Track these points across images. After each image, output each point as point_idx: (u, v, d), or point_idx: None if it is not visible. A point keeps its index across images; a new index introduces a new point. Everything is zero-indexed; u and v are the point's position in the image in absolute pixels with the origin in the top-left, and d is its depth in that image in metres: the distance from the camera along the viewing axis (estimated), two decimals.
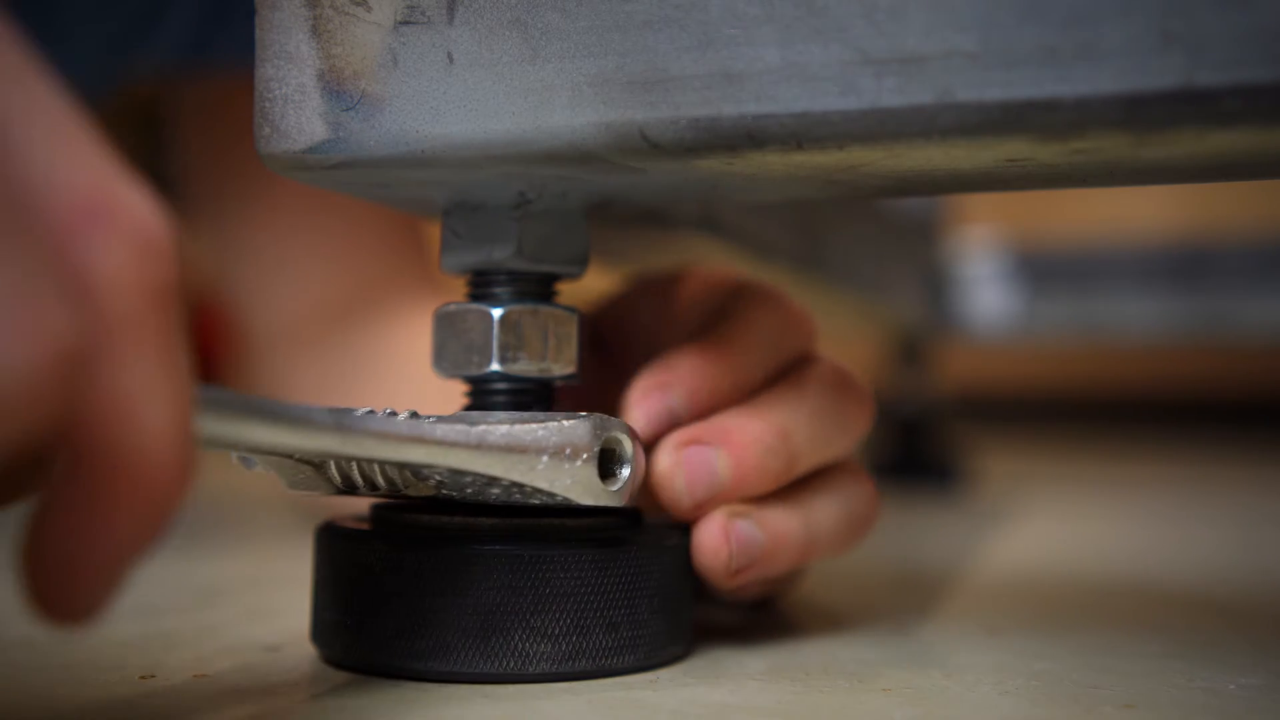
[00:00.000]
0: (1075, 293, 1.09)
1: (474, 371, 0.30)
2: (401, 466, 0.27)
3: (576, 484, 0.27)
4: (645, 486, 0.31)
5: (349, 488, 0.28)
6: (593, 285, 0.35)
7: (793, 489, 0.31)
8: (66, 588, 0.18)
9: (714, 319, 0.34)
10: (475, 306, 0.30)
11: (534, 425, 0.27)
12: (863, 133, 0.24)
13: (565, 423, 0.27)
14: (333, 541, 0.29)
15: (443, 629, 0.27)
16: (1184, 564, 0.54)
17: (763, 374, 0.33)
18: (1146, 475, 1.08)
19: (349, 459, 0.26)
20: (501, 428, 0.27)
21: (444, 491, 0.28)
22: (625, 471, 0.28)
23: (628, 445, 0.28)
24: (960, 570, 0.49)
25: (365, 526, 0.29)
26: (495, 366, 0.29)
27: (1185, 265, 1.08)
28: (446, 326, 0.30)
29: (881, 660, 0.31)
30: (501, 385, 0.30)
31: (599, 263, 0.39)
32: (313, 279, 0.59)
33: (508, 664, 0.27)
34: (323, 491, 0.28)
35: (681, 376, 0.31)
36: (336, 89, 0.27)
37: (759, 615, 0.36)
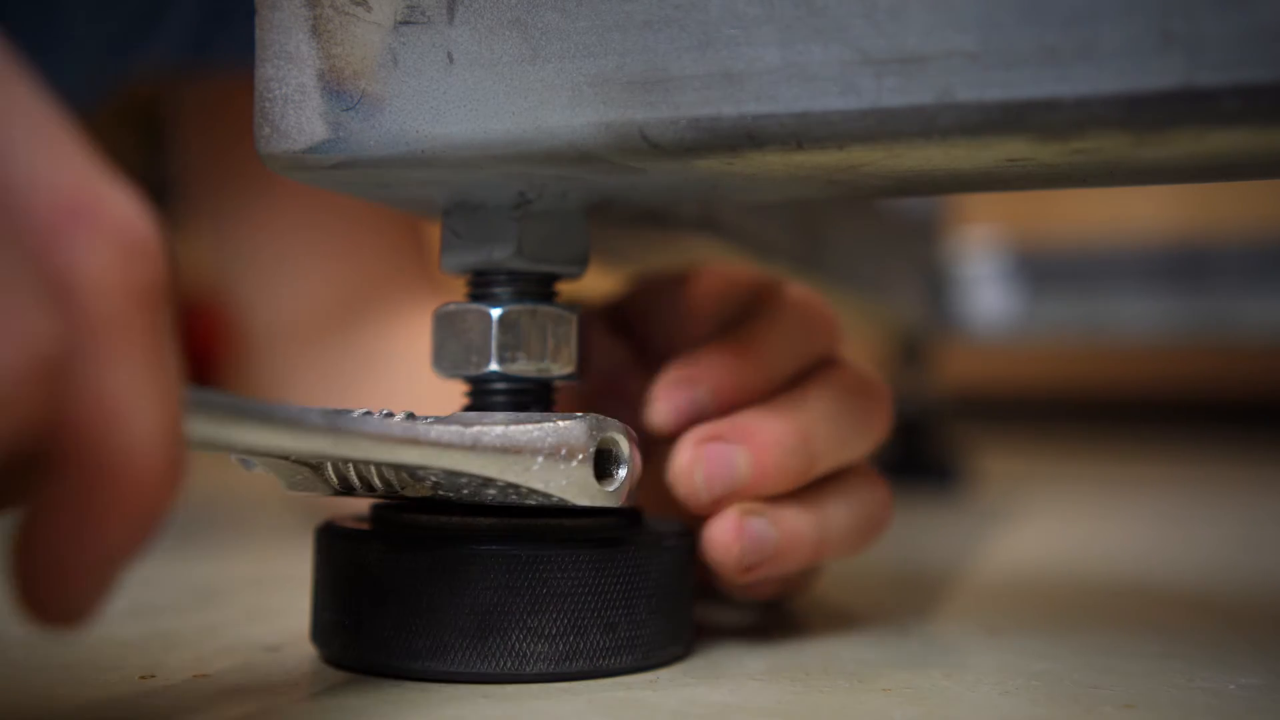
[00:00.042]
0: (1075, 293, 1.09)
1: (473, 371, 0.30)
2: (397, 468, 0.27)
3: (572, 485, 0.27)
4: (660, 480, 0.31)
5: (346, 489, 0.28)
6: (593, 285, 0.35)
7: (808, 490, 0.32)
8: (57, 590, 0.18)
9: (741, 316, 0.34)
10: (474, 306, 0.30)
11: (529, 426, 0.27)
12: (863, 133, 0.24)
13: (561, 423, 0.27)
14: (332, 541, 0.29)
15: (440, 629, 0.27)
16: (1184, 564, 0.54)
17: (787, 373, 0.33)
18: (1146, 475, 1.08)
19: (344, 460, 0.26)
20: (496, 429, 0.27)
21: (440, 492, 0.28)
22: (622, 472, 0.28)
23: (624, 446, 0.28)
24: (960, 570, 0.49)
25: (365, 526, 0.29)
26: (494, 366, 0.29)
27: (1185, 265, 1.08)
28: (446, 326, 0.30)
29: (881, 660, 0.31)
30: (500, 385, 0.30)
31: (599, 263, 0.39)
32: (313, 279, 0.59)
33: (505, 664, 0.27)
34: (321, 492, 0.28)
35: (708, 372, 0.31)
36: (336, 89, 0.27)
37: (759, 615, 0.36)
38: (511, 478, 0.27)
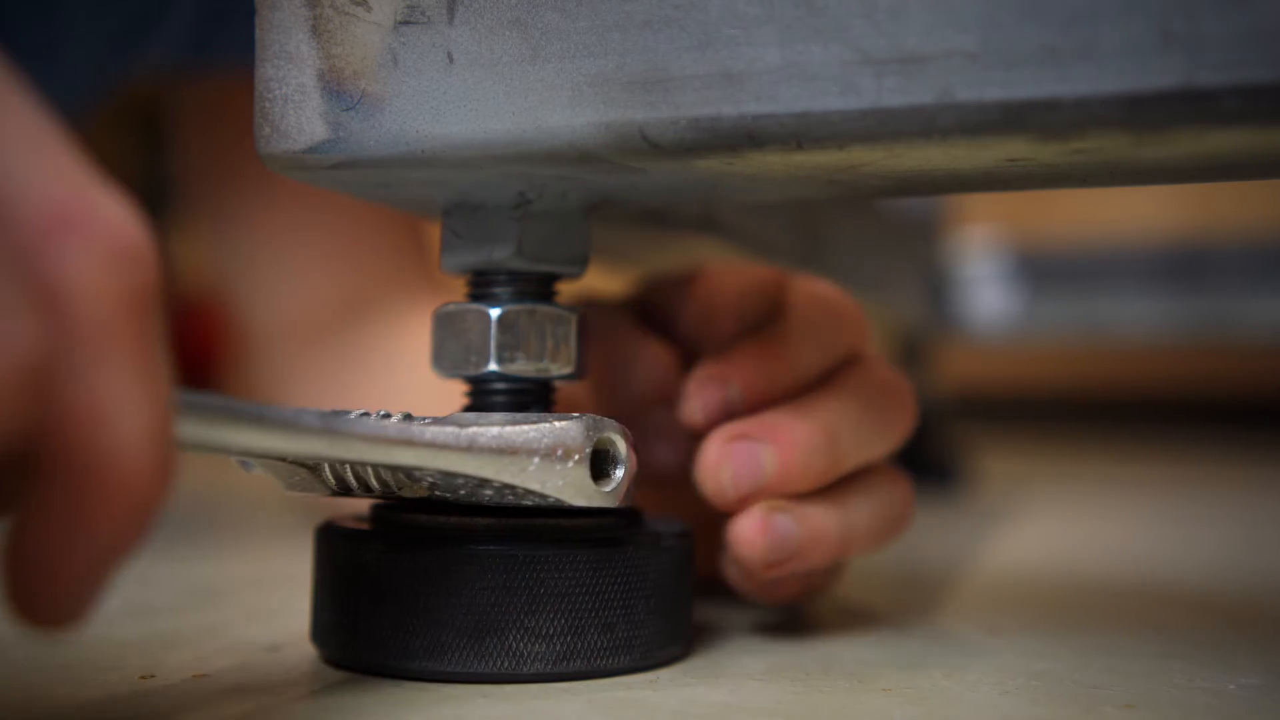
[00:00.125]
0: (1075, 293, 1.09)
1: (472, 371, 0.30)
2: (393, 469, 0.27)
3: (568, 485, 0.27)
4: (683, 476, 0.32)
5: (344, 490, 0.28)
6: (593, 285, 0.35)
7: (833, 487, 0.32)
8: (47, 592, 0.18)
9: (766, 314, 0.34)
10: (473, 306, 0.30)
11: (525, 427, 0.27)
12: (863, 133, 0.24)
13: (557, 424, 0.27)
14: (331, 541, 0.29)
15: (437, 629, 0.27)
16: (1184, 564, 0.54)
17: (815, 370, 0.33)
18: (1146, 475, 1.08)
19: (339, 462, 0.26)
20: (492, 429, 0.27)
21: (437, 493, 0.28)
22: (619, 472, 0.28)
23: (621, 446, 0.28)
24: (960, 570, 0.49)
25: (364, 526, 0.29)
26: (493, 366, 0.29)
27: (1185, 265, 1.08)
28: (445, 326, 0.30)
29: (881, 660, 0.31)
30: (500, 385, 0.30)
31: (599, 263, 0.39)
32: (313, 279, 0.59)
33: (502, 664, 0.27)
34: (319, 493, 0.28)
35: (739, 369, 0.32)
36: (336, 89, 0.27)
37: (760, 615, 0.36)
38: (507, 479, 0.27)
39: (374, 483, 0.27)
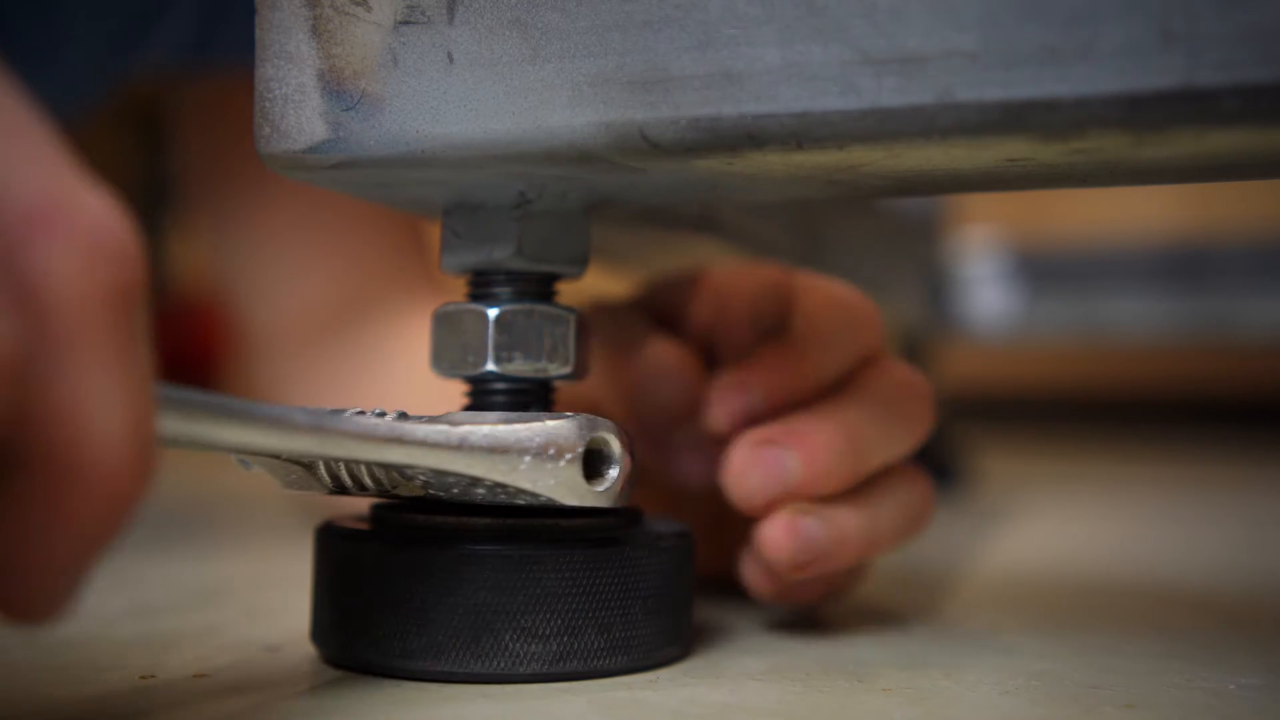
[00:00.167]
0: (1075, 293, 1.09)
1: (470, 371, 0.30)
2: (384, 467, 0.27)
3: (560, 484, 0.27)
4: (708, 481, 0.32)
5: (340, 488, 0.28)
6: (593, 285, 0.35)
7: (856, 488, 0.33)
8: (24, 587, 0.18)
9: (783, 315, 0.35)
10: (471, 306, 0.30)
11: (517, 425, 0.27)
12: (863, 133, 0.24)
13: (549, 423, 0.27)
14: (330, 541, 0.29)
15: (433, 629, 0.27)
16: (1184, 564, 0.54)
17: (835, 374, 0.34)
18: (1147, 475, 1.08)
19: (329, 459, 0.26)
20: (484, 428, 0.27)
21: (431, 492, 0.28)
22: (613, 472, 0.28)
23: (615, 445, 0.28)
24: (960, 570, 0.49)
25: (363, 526, 0.29)
26: (490, 366, 0.29)
27: (1186, 265, 1.08)
28: (444, 327, 0.30)
29: (881, 660, 0.31)
30: (500, 385, 0.30)
31: (599, 263, 0.39)
32: (313, 278, 0.59)
33: (498, 664, 0.27)
34: (317, 491, 0.28)
35: (761, 376, 0.33)
36: (336, 89, 0.27)
37: (760, 615, 0.36)
38: (498, 477, 0.27)
39: (368, 481, 0.27)
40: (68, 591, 0.19)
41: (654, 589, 0.29)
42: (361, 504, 0.32)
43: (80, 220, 0.18)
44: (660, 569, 0.29)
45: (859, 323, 0.35)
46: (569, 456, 0.27)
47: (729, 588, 0.36)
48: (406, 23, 0.26)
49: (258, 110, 0.27)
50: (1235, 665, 0.31)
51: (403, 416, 0.27)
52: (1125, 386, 1.60)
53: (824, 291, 0.36)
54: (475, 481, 0.27)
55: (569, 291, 0.32)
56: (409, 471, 0.27)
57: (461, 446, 0.26)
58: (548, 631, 0.27)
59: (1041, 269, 1.10)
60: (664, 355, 0.35)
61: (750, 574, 0.33)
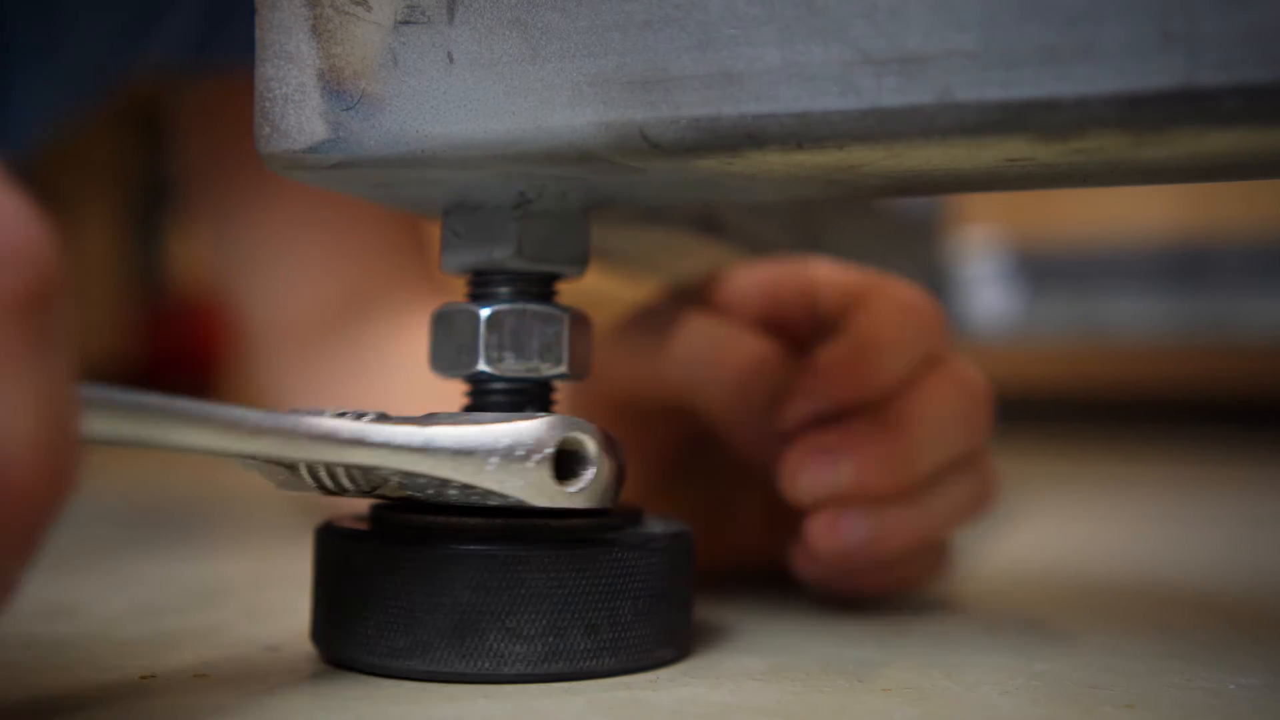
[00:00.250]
0: (1075, 293, 1.09)
1: (464, 371, 0.30)
2: (353, 469, 0.27)
3: (529, 486, 0.27)
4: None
5: (326, 489, 0.28)
6: (593, 285, 0.35)
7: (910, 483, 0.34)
8: None
9: (849, 320, 0.35)
10: (465, 306, 0.30)
11: (486, 426, 0.27)
12: (863, 133, 0.24)
13: (519, 424, 0.27)
14: (327, 540, 0.29)
15: (420, 628, 0.27)
16: (1184, 564, 0.54)
17: (900, 377, 0.34)
18: (1147, 475, 1.08)
19: (291, 461, 0.26)
20: (450, 429, 0.27)
21: (408, 492, 0.28)
22: (589, 473, 0.28)
23: (591, 446, 0.28)
24: (960, 570, 0.49)
25: (360, 526, 0.29)
26: (483, 366, 0.29)
27: (1185, 265, 1.08)
28: (441, 327, 0.30)
29: (881, 660, 0.31)
30: (497, 385, 0.30)
31: (599, 263, 0.39)
32: (313, 278, 0.59)
33: (483, 664, 0.27)
34: (309, 491, 0.28)
35: (830, 384, 0.34)
36: (336, 89, 0.27)
37: (761, 615, 0.36)
38: (465, 478, 0.27)
39: (346, 482, 0.27)
40: None
41: (645, 590, 0.28)
42: (362, 504, 0.32)
43: None
44: (651, 570, 0.29)
45: (925, 326, 0.35)
46: (538, 458, 0.27)
47: (718, 585, 0.36)
48: (406, 23, 0.26)
49: (258, 110, 0.27)
50: (1235, 665, 0.31)
51: (382, 418, 0.27)
52: (1125, 386, 1.60)
53: (893, 294, 0.36)
54: (445, 483, 0.27)
55: (570, 292, 0.32)
56: (379, 473, 0.27)
57: (427, 448, 0.26)
58: (532, 632, 0.27)
59: (1041, 269, 1.10)
60: (758, 349, 0.35)
61: (801, 564, 0.35)
